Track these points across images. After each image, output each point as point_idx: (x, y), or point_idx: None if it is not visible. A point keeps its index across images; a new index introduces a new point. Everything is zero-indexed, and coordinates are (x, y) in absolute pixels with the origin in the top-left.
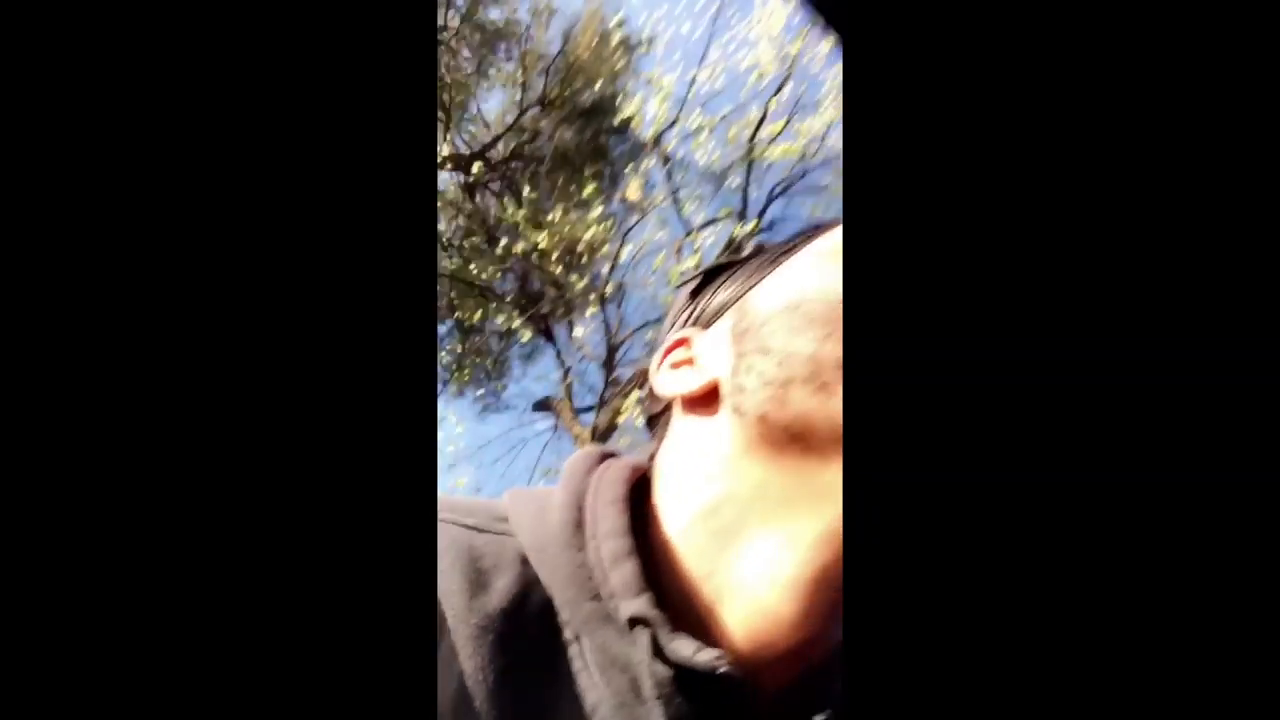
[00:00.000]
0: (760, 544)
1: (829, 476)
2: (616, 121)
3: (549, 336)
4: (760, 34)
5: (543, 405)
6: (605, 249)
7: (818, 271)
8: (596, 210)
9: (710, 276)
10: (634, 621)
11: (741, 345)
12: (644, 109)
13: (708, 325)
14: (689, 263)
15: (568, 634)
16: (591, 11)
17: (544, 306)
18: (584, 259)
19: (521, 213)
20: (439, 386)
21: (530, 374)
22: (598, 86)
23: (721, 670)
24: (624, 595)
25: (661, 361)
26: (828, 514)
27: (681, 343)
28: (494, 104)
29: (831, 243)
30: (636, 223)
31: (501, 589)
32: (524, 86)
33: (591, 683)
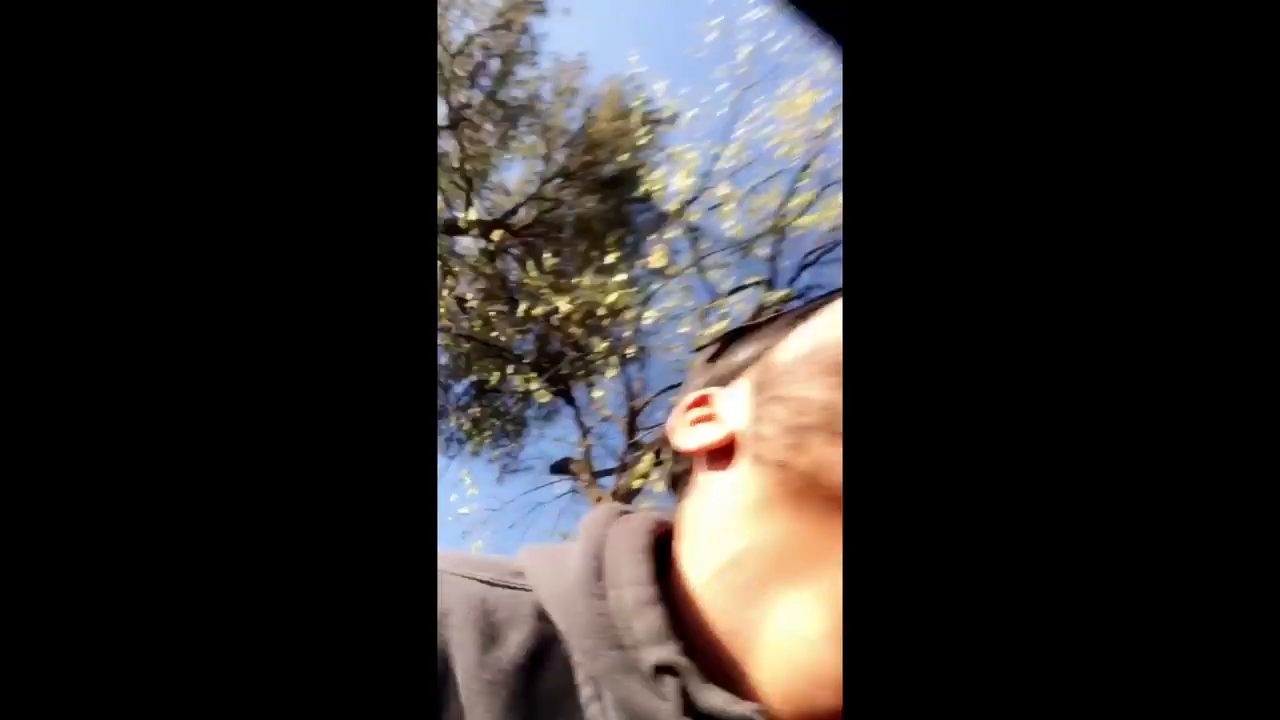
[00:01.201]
0: (788, 598)
1: None
2: (639, 193)
3: (568, 398)
4: (784, 115)
5: (561, 467)
6: (629, 314)
7: (834, 324)
8: (619, 275)
9: (729, 341)
10: (660, 670)
11: (760, 396)
12: (667, 181)
13: (727, 383)
14: (716, 327)
15: (588, 690)
16: (612, 89)
17: (563, 368)
18: (605, 323)
19: (543, 277)
20: (455, 447)
21: (549, 435)
22: (620, 159)
23: None
24: (649, 643)
25: (682, 417)
26: None
27: (702, 400)
28: (515, 174)
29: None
30: (659, 288)
31: (516, 642)
32: (546, 159)
33: None
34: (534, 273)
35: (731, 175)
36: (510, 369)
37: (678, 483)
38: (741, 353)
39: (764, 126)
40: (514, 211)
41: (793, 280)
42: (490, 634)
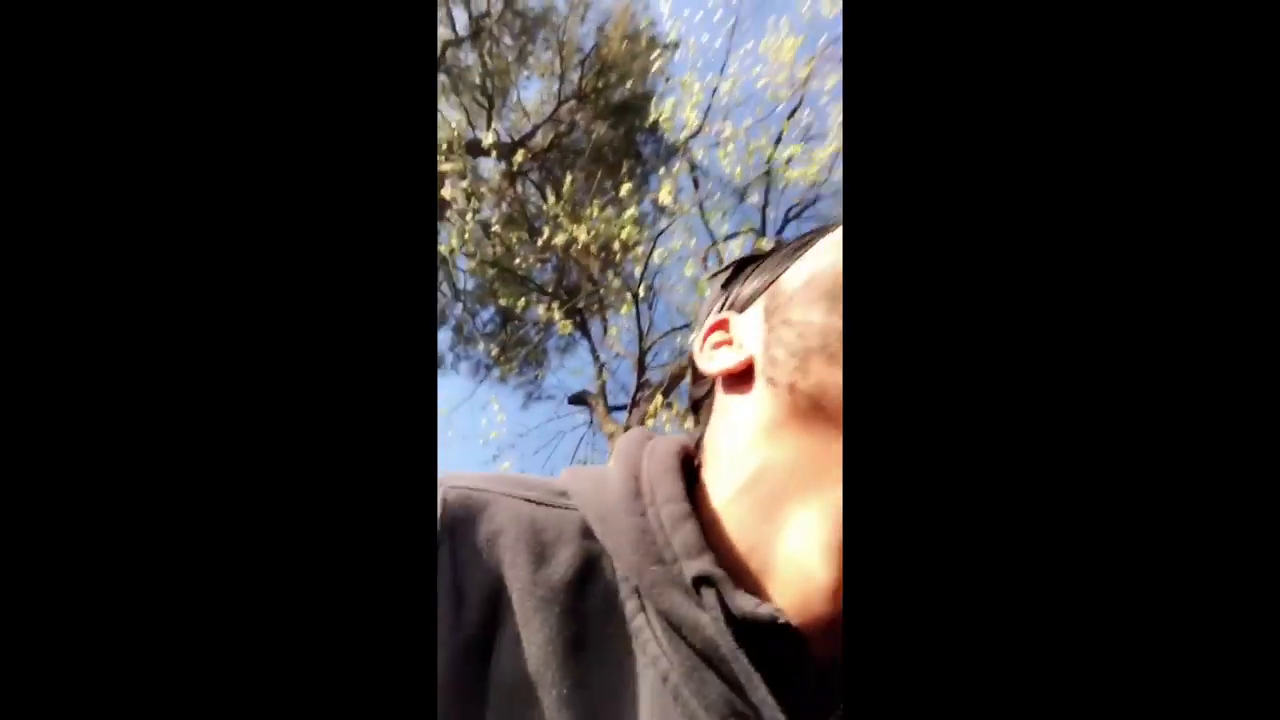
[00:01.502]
0: (801, 513)
1: None
2: (648, 122)
3: (585, 331)
4: (772, 54)
5: (579, 399)
6: (638, 250)
7: (828, 253)
8: (631, 210)
9: (740, 268)
10: (699, 581)
11: (771, 321)
12: (674, 112)
13: (743, 309)
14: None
15: (633, 604)
16: (623, 8)
17: (579, 301)
18: (618, 257)
19: (561, 204)
20: (484, 372)
21: (568, 366)
22: (629, 84)
23: (782, 621)
24: (687, 556)
25: (703, 343)
26: None
27: (720, 325)
28: (532, 94)
29: (840, 231)
30: (667, 227)
31: (565, 560)
32: (561, 78)
33: (661, 650)
34: (552, 199)
35: (726, 113)
36: (533, 297)
37: (699, 407)
38: (754, 280)
39: (755, 64)
40: (532, 134)
41: (779, 231)
42: (540, 552)
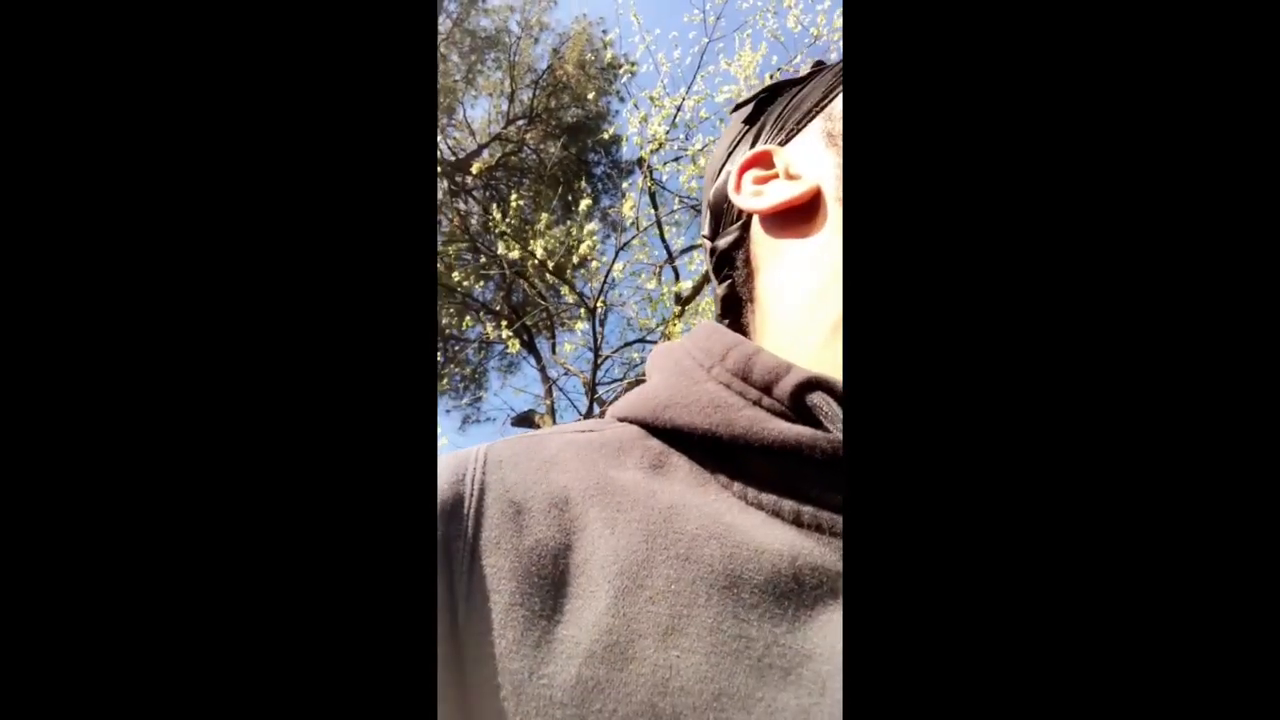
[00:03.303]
0: None
1: None
2: (605, 138)
3: (532, 349)
4: (739, 72)
5: (524, 420)
6: (596, 265)
7: None
8: (589, 225)
9: (765, 101)
10: (803, 389)
11: (840, 143)
12: (638, 128)
13: (788, 139)
14: (679, 286)
15: (722, 476)
16: (580, 30)
17: (529, 319)
18: (569, 273)
19: (507, 221)
20: None
21: (510, 385)
22: (585, 103)
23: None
24: (776, 378)
25: (739, 181)
26: None
27: (760, 159)
28: (479, 113)
29: None
30: (628, 242)
31: (635, 461)
32: (510, 98)
33: (760, 518)
34: (498, 216)
35: (689, 130)
36: (478, 315)
37: (726, 264)
38: (791, 109)
39: (725, 82)
40: (478, 152)
41: None
42: (605, 461)
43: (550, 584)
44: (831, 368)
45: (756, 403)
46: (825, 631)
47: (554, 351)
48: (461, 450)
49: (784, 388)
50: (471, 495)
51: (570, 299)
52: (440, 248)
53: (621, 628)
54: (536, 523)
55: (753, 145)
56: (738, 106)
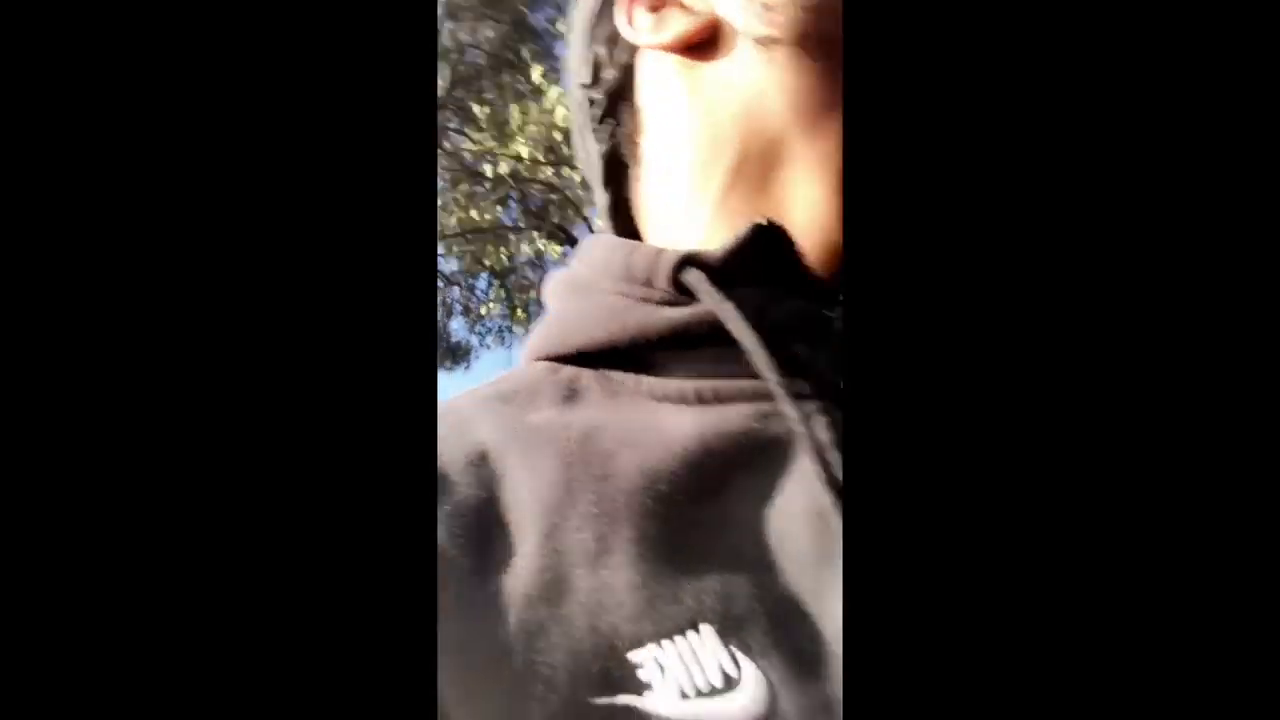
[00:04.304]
0: (802, 166)
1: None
2: None
3: (573, 242)
4: None
5: None
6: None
7: None
8: (553, 92)
9: None
10: (680, 268)
11: None
12: None
13: None
14: None
15: (629, 382)
16: None
17: (554, 215)
18: (566, 148)
19: (485, 132)
20: (508, 335)
21: None
22: None
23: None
24: (655, 264)
25: (631, 13)
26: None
27: None
28: None
29: None
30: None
31: (549, 399)
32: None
33: (669, 409)
34: (476, 134)
35: None
36: (513, 239)
37: (610, 113)
38: None
39: None
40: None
41: None
42: (522, 408)
43: (476, 541)
44: (730, 212)
45: (646, 300)
46: (741, 501)
47: (591, 231)
48: None
49: (660, 276)
50: None
51: (577, 176)
52: (452, 192)
53: (554, 564)
54: (455, 485)
55: None
56: None
